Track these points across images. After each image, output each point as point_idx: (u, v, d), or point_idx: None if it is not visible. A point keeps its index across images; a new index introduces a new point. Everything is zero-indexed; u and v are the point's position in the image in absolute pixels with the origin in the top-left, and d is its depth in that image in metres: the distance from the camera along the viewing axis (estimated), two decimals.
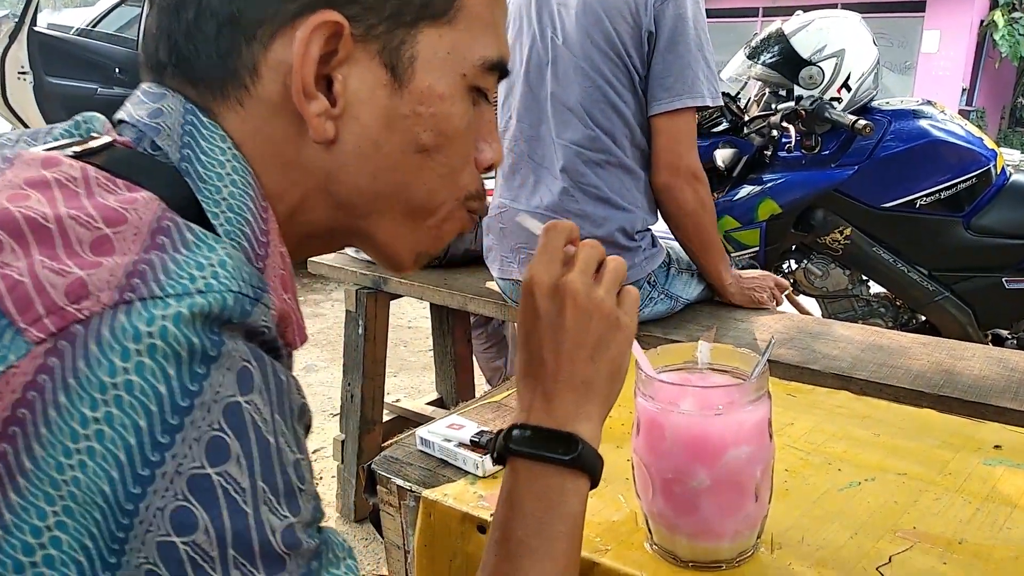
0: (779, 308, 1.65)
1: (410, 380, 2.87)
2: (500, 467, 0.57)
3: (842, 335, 1.45)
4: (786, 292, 1.65)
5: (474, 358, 2.26)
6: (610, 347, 0.55)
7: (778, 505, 0.73)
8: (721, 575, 0.64)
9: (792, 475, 0.80)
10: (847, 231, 2.07)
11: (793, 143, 2.11)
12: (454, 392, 2.18)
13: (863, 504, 0.74)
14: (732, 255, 2.19)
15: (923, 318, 2.14)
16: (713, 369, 0.69)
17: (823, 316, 2.29)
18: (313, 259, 1.96)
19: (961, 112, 9.54)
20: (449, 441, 0.84)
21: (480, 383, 2.31)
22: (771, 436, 0.65)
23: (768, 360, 0.66)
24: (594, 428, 0.55)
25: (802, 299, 2.39)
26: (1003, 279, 1.94)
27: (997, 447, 0.84)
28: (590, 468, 0.53)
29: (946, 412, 1.01)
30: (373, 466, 0.84)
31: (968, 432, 0.89)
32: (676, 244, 1.66)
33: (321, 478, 2.13)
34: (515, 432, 0.53)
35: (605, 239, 1.48)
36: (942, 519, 0.71)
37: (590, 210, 1.50)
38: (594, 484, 0.54)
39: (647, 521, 0.68)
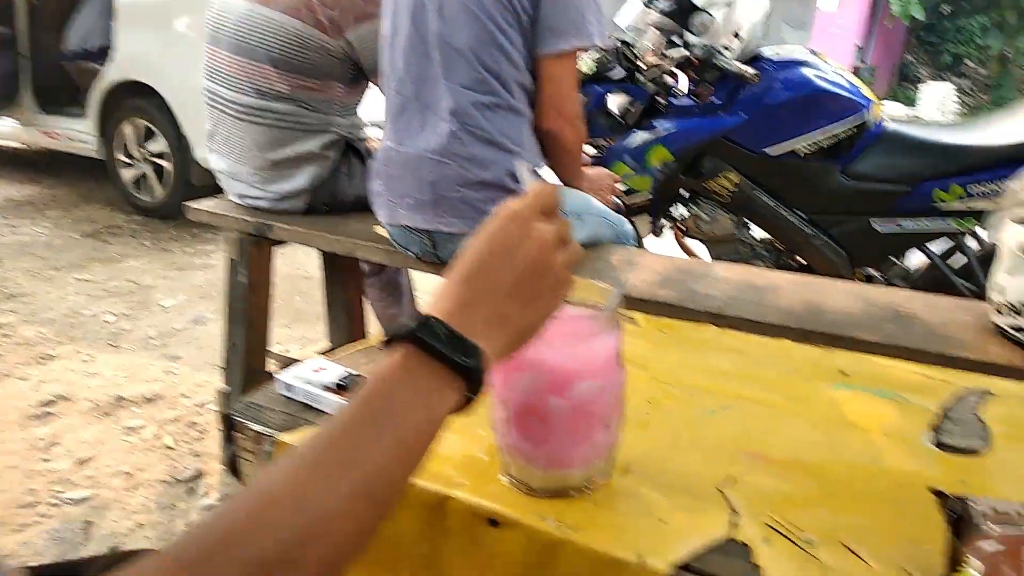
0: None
1: (304, 330, 2.80)
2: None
3: (721, 276, 1.49)
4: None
5: (369, 306, 2.22)
6: (539, 308, 0.54)
7: (637, 434, 0.75)
8: (572, 503, 0.65)
9: (653, 406, 0.82)
10: (733, 177, 2.12)
11: (685, 90, 2.14)
12: (346, 341, 2.14)
13: (716, 431, 0.76)
14: (625, 202, 2.22)
15: (803, 260, 2.24)
16: (570, 303, 0.69)
17: (711, 260, 2.36)
18: (195, 206, 1.86)
19: (855, 69, 9.94)
20: (311, 384, 0.82)
21: (376, 332, 2.28)
22: (622, 367, 0.66)
23: (623, 295, 0.67)
24: (489, 360, 0.53)
25: (691, 243, 2.46)
26: (874, 222, 2.04)
27: (845, 374, 0.89)
28: (475, 386, 0.51)
29: (809, 343, 1.05)
30: (232, 413, 0.81)
31: (821, 361, 0.93)
32: (568, 189, 1.67)
33: (207, 431, 2.07)
34: (430, 322, 0.51)
35: (493, 182, 1.47)
36: (786, 441, 0.74)
37: (478, 153, 1.48)
38: (467, 404, 0.52)
39: (503, 454, 0.68)
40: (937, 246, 2.11)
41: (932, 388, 0.85)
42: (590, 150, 2.26)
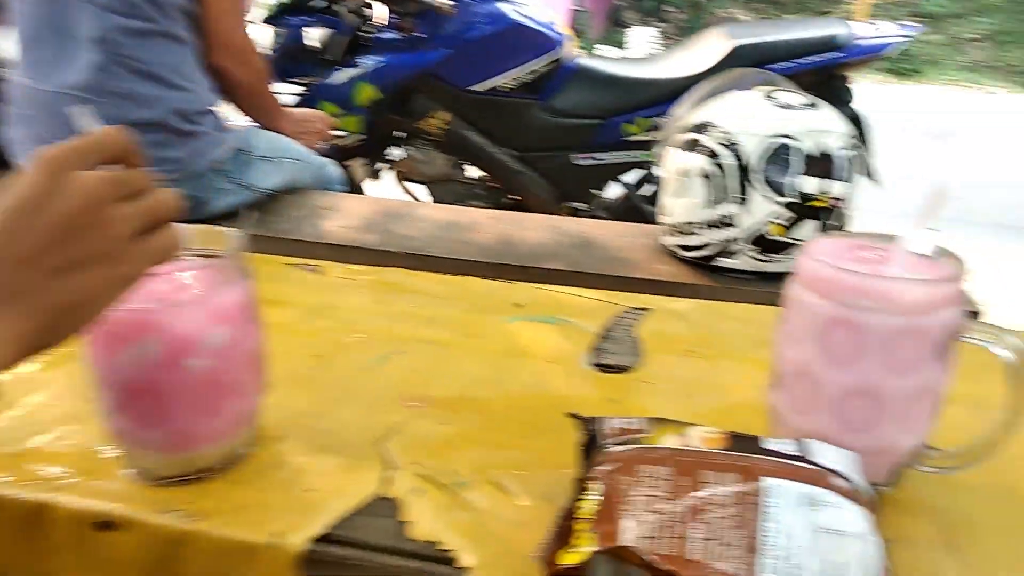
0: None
1: None
2: None
3: (423, 215, 1.46)
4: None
5: None
6: (87, 280, 0.43)
7: (294, 394, 0.68)
8: (206, 487, 0.56)
9: (321, 360, 0.75)
10: (444, 116, 2.10)
11: (387, 23, 2.05)
12: None
13: (383, 378, 0.72)
14: (335, 142, 2.10)
15: (517, 197, 2.30)
16: (189, 254, 0.59)
17: (433, 202, 2.34)
18: None
19: (573, 12, 10.45)
20: None
21: None
22: (254, 322, 0.58)
23: (246, 239, 0.58)
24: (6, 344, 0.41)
25: (413, 186, 2.42)
26: (574, 157, 2.14)
27: (520, 305, 0.89)
28: None
29: (506, 279, 1.05)
30: None
31: (499, 294, 0.92)
32: (259, 130, 1.52)
33: None
34: None
35: (157, 122, 1.28)
36: (454, 381, 0.71)
37: (137, 89, 1.28)
38: None
39: (119, 443, 0.57)
40: (631, 176, 2.27)
41: (598, 310, 0.88)
42: (291, 89, 2.10)
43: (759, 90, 1.13)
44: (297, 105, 2.05)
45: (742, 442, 0.48)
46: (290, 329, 0.81)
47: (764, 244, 1.12)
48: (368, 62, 2.02)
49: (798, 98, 1.11)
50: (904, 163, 5.51)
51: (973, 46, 11.01)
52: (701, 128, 1.14)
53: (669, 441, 0.48)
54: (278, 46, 2.04)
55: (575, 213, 2.33)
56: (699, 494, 0.43)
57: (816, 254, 0.52)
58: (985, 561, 0.49)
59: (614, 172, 2.23)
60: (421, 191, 2.38)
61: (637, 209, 2.29)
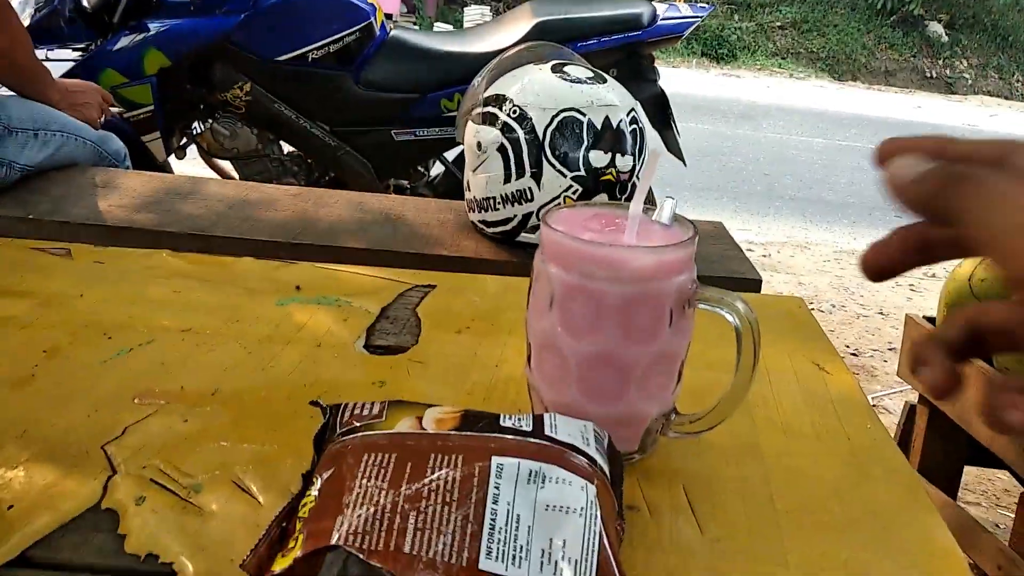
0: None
1: None
2: None
3: (213, 192, 1.35)
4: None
5: None
6: None
7: (12, 397, 0.59)
8: None
9: (49, 357, 0.66)
10: (247, 87, 1.97)
11: None
12: None
13: (121, 374, 0.64)
14: (125, 115, 1.91)
15: (333, 174, 2.21)
16: None
17: (240, 179, 2.20)
18: None
19: None
20: None
21: None
22: None
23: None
24: None
25: (222, 163, 2.26)
26: (392, 132, 2.09)
27: (297, 288, 0.83)
28: None
29: (300, 258, 0.98)
30: None
31: (276, 276, 0.86)
32: (20, 101, 1.34)
33: None
34: None
35: None
36: (204, 373, 0.65)
37: None
38: None
39: None
40: (452, 153, 2.24)
41: (381, 289, 0.84)
42: (66, 55, 1.88)
43: (550, 64, 1.13)
44: (74, 72, 1.84)
45: (477, 421, 0.46)
46: (18, 323, 0.71)
47: None
48: (155, 26, 1.85)
49: (586, 72, 1.12)
50: (709, 142, 5.89)
51: (780, 33, 11.96)
52: (495, 101, 1.12)
53: (403, 426, 0.45)
54: (47, 5, 1.81)
55: (399, 191, 2.27)
56: (421, 481, 0.40)
57: (554, 224, 0.50)
58: (723, 523, 0.50)
59: (436, 148, 2.19)
60: (230, 168, 2.23)
61: (460, 186, 2.28)
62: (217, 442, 0.56)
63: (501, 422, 0.46)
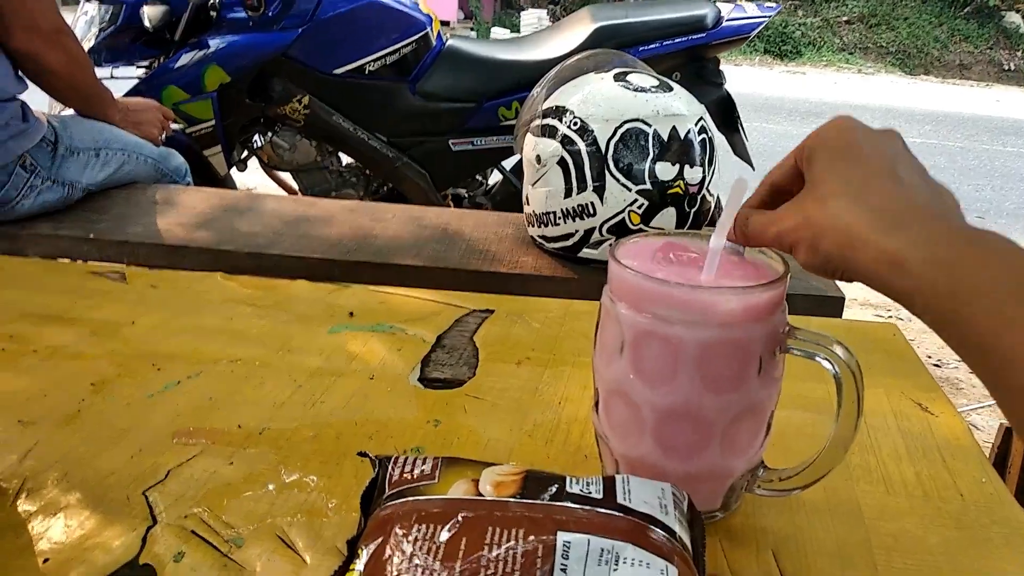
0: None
1: None
2: None
3: (269, 209, 1.34)
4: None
5: None
6: None
7: (58, 435, 0.57)
8: None
9: (97, 390, 0.64)
10: (305, 100, 1.96)
11: (236, 1, 1.89)
12: None
13: (168, 410, 0.61)
14: (187, 130, 1.94)
15: (392, 185, 2.19)
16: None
17: (300, 192, 2.21)
18: None
19: None
20: None
21: None
22: None
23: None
24: None
25: (284, 176, 2.27)
26: (449, 141, 2.06)
27: (351, 314, 0.80)
28: None
29: (356, 279, 0.95)
30: None
31: (329, 300, 0.83)
32: (79, 120, 1.36)
33: None
34: None
35: None
36: (253, 408, 0.62)
37: None
38: None
39: None
40: (510, 162, 2.20)
41: (438, 314, 0.80)
42: (130, 72, 1.91)
43: (612, 72, 1.08)
44: (137, 90, 1.87)
45: (541, 486, 0.41)
46: (68, 353, 0.69)
47: (624, 233, 1.06)
48: (215, 43, 1.86)
49: (651, 80, 1.06)
50: (776, 143, 5.71)
51: (846, 28, 11.57)
52: (554, 113, 1.07)
53: (458, 490, 0.41)
54: (109, 25, 1.84)
55: (458, 200, 2.25)
56: (477, 559, 0.36)
57: (623, 258, 0.45)
58: None
59: (494, 157, 2.15)
60: (291, 180, 2.24)
61: (518, 195, 2.24)
62: (263, 488, 0.53)
63: (568, 487, 0.41)
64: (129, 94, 1.86)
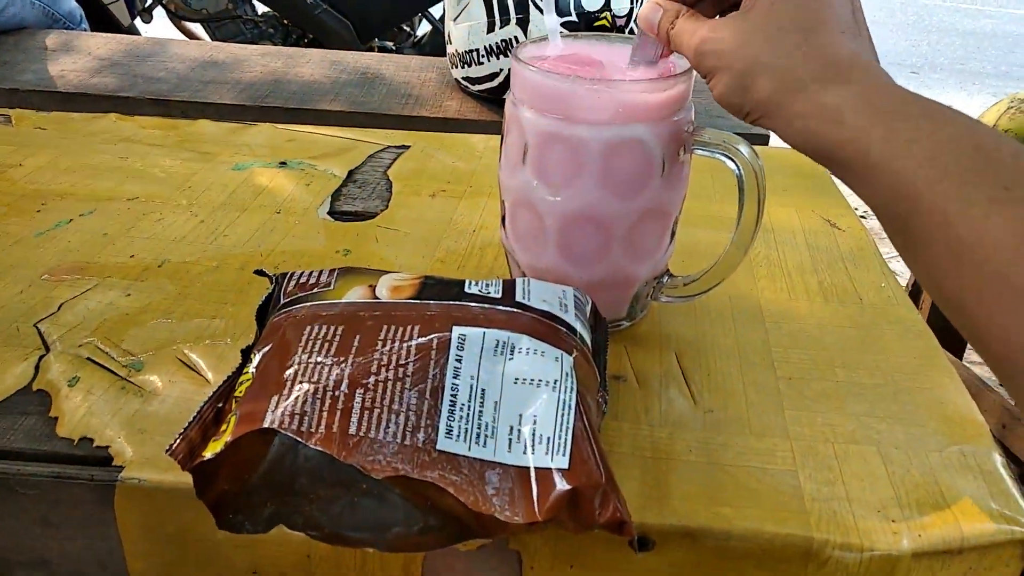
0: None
1: None
2: None
3: (176, 54, 1.24)
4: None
5: None
6: None
7: None
8: None
9: None
10: None
11: None
12: None
13: (59, 247, 0.58)
14: None
15: (312, 36, 2.06)
16: None
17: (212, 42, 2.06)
18: None
19: None
20: None
21: None
22: None
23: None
24: None
25: (192, 27, 2.11)
26: None
27: (254, 150, 0.76)
28: None
29: (270, 121, 0.90)
30: None
31: (234, 139, 0.78)
32: None
33: None
34: None
35: None
36: (153, 243, 0.59)
37: None
38: None
39: None
40: (441, 8, 2.08)
41: (350, 149, 0.76)
42: None
43: None
44: None
45: (438, 288, 0.40)
46: None
47: None
48: None
49: None
50: None
51: None
52: None
53: (354, 295, 0.40)
54: None
55: (383, 52, 2.13)
56: (371, 355, 0.35)
57: (526, 57, 0.43)
58: (719, 393, 0.46)
59: (421, 4, 2.03)
60: (202, 32, 2.08)
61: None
62: (162, 317, 0.51)
63: (466, 288, 0.40)
64: None
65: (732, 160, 0.43)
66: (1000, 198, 0.29)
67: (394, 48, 2.12)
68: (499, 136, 0.83)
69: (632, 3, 1.00)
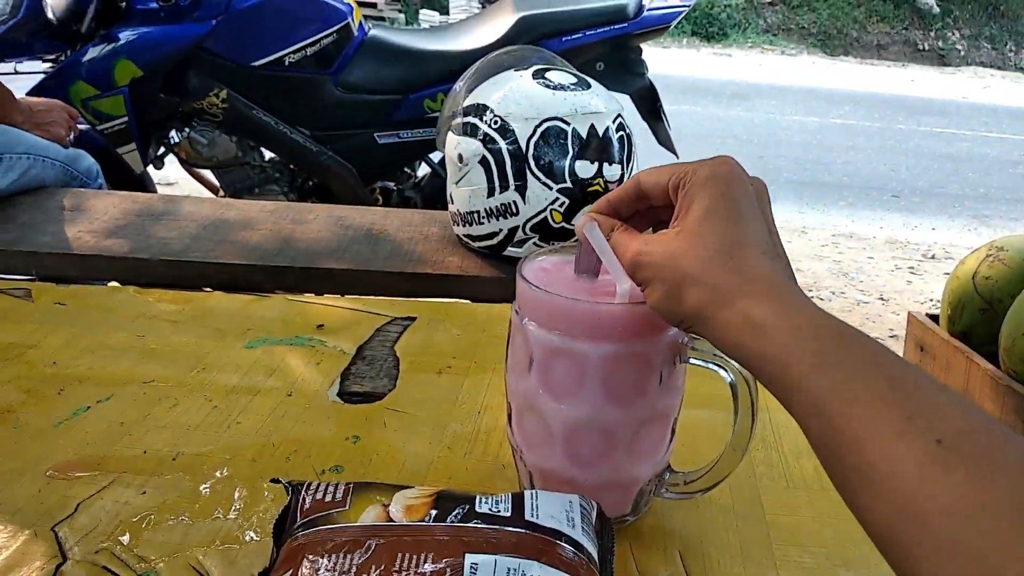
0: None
1: None
2: None
3: (187, 212, 1.30)
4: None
5: None
6: None
7: None
8: None
9: (2, 420, 0.61)
10: (223, 94, 1.91)
11: None
12: None
13: (77, 437, 0.60)
14: (98, 128, 1.86)
15: (317, 180, 2.16)
16: None
17: (221, 189, 2.15)
18: None
19: None
20: None
21: None
22: None
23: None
24: None
25: (205, 173, 2.21)
26: (375, 134, 2.03)
27: (266, 324, 0.79)
28: None
29: (280, 283, 0.94)
30: None
31: (244, 313, 0.82)
32: None
33: None
34: None
35: None
36: (166, 433, 0.61)
37: None
38: None
39: None
40: (438, 155, 2.19)
41: (359, 323, 0.80)
42: (35, 67, 1.82)
43: (531, 69, 1.08)
44: (43, 86, 1.79)
45: (451, 506, 0.42)
46: None
47: (546, 232, 1.08)
48: (125, 35, 1.79)
49: (569, 78, 1.07)
50: (702, 125, 5.83)
51: (770, 9, 11.84)
52: (475, 111, 1.08)
53: (368, 516, 0.41)
54: (11, 17, 1.75)
55: (386, 194, 2.22)
56: None
57: (530, 275, 0.46)
58: None
59: (421, 150, 2.14)
60: (212, 177, 2.18)
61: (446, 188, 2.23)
62: (176, 517, 0.52)
63: (477, 507, 0.42)
64: (35, 91, 1.78)
65: (724, 370, 0.46)
66: (905, 429, 0.31)
67: (395, 189, 2.22)
68: (496, 305, 0.87)
69: (623, 170, 1.06)
